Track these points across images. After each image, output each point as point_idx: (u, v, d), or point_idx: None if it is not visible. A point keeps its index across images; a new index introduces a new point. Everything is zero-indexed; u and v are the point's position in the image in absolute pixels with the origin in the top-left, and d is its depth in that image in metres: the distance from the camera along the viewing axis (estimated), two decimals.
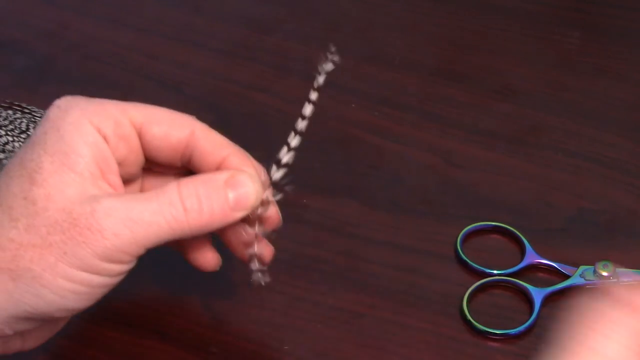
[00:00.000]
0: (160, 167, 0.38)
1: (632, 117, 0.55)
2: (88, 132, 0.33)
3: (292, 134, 0.37)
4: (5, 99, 0.54)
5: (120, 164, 0.35)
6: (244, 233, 0.36)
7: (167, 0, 0.65)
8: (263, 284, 0.37)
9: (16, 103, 0.53)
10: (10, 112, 0.52)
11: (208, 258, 0.38)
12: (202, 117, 0.55)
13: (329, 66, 0.36)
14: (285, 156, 0.36)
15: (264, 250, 0.37)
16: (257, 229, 0.36)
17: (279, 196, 0.37)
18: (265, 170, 0.37)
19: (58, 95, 0.55)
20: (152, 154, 0.36)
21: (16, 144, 0.48)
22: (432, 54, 0.60)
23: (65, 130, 0.33)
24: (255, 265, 0.36)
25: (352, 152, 0.53)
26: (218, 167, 0.36)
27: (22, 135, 0.49)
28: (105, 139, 0.34)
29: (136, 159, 0.36)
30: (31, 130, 0.50)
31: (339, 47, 0.60)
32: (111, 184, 0.34)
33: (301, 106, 0.37)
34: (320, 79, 0.36)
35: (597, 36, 0.62)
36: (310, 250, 0.47)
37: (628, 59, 0.60)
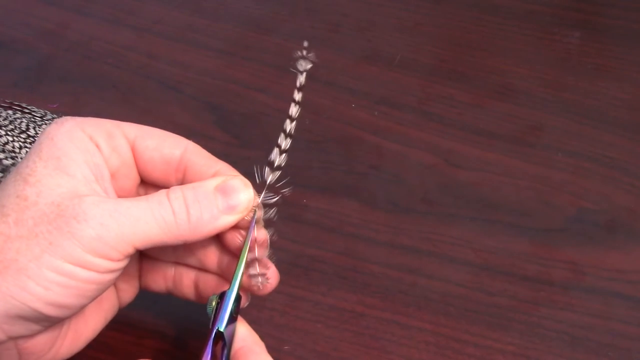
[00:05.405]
0: (155, 186, 0.38)
1: (632, 117, 0.55)
2: (80, 139, 0.34)
3: (282, 135, 0.36)
4: (5, 99, 0.54)
5: (113, 175, 0.35)
6: (239, 238, 0.36)
7: (167, 0, 0.65)
8: (261, 287, 0.36)
9: (16, 103, 0.53)
10: (10, 112, 0.52)
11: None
12: (202, 117, 0.56)
13: (307, 64, 0.36)
14: (277, 158, 0.36)
15: (271, 273, 0.37)
16: (255, 233, 0.36)
17: (275, 199, 0.36)
18: (259, 173, 0.37)
19: (58, 95, 0.56)
20: (146, 169, 0.36)
21: (16, 144, 0.48)
22: (432, 54, 0.60)
23: (58, 138, 0.34)
24: (255, 269, 0.36)
25: (352, 152, 0.53)
26: None
27: (22, 135, 0.49)
28: (97, 147, 0.35)
29: (129, 173, 0.36)
30: (31, 130, 0.50)
31: (339, 47, 0.60)
32: (104, 190, 0.34)
33: (301, 106, 0.37)
34: (302, 78, 0.36)
35: (597, 36, 0.62)
36: (310, 250, 0.47)
37: (628, 59, 0.60)
